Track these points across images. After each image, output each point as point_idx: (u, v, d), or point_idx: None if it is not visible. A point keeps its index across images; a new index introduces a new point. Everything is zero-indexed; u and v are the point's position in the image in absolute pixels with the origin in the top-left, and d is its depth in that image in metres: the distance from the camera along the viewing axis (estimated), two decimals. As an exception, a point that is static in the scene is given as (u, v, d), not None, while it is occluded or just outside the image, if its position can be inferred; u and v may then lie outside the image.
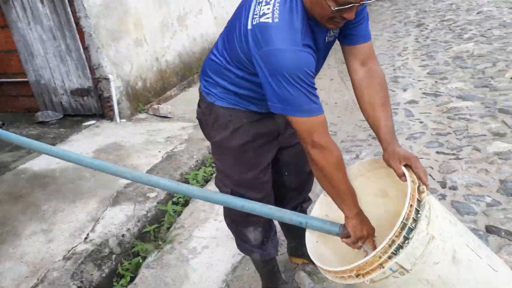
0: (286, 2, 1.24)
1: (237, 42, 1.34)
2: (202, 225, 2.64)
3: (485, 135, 3.03)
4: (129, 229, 2.56)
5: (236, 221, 1.79)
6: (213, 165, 3.36)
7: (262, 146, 1.60)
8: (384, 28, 7.19)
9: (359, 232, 1.40)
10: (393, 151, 1.32)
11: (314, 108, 1.27)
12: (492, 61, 4.47)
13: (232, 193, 1.63)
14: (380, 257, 1.17)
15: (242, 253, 2.08)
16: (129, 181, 2.99)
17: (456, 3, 7.82)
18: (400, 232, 1.16)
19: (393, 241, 1.16)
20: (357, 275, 1.23)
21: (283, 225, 2.07)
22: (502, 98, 3.54)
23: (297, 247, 2.13)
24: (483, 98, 3.63)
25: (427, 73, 4.64)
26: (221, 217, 2.66)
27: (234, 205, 1.56)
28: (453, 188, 2.54)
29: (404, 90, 4.27)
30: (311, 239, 1.52)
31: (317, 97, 1.28)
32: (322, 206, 1.61)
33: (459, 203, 2.39)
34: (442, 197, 2.48)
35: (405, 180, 1.27)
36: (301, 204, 1.93)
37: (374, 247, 1.44)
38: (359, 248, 1.45)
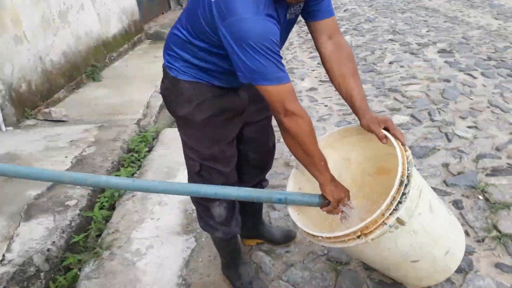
0: None
1: (201, 14, 1.32)
2: (139, 226, 2.46)
3: (384, 111, 3.44)
4: (54, 242, 2.25)
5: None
6: (132, 165, 3.15)
7: (227, 121, 1.57)
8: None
9: (337, 195, 1.45)
10: (370, 116, 1.44)
11: (282, 76, 1.29)
12: (370, 49, 5.08)
13: (201, 166, 1.62)
14: (383, 215, 1.25)
15: (191, 246, 2.03)
16: (39, 192, 2.63)
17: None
18: (399, 189, 1.26)
19: (394, 198, 1.26)
20: (359, 236, 1.30)
21: (239, 203, 2.05)
22: (387, 80, 4.06)
23: (253, 226, 2.13)
24: (372, 81, 4.11)
25: (317, 63, 5.04)
26: (158, 215, 2.53)
27: (206, 194, 1.51)
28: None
29: (302, 79, 4.58)
30: (293, 213, 1.54)
31: (283, 65, 1.30)
32: (296, 181, 1.65)
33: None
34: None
35: (386, 142, 1.39)
36: (261, 182, 1.94)
37: (351, 208, 1.52)
38: (341, 212, 1.49)
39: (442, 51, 4.83)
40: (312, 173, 1.45)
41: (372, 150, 1.62)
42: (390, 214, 1.26)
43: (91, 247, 2.31)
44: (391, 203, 1.26)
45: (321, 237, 1.38)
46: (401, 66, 4.37)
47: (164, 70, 1.56)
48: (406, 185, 1.27)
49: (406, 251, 1.45)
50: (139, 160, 3.22)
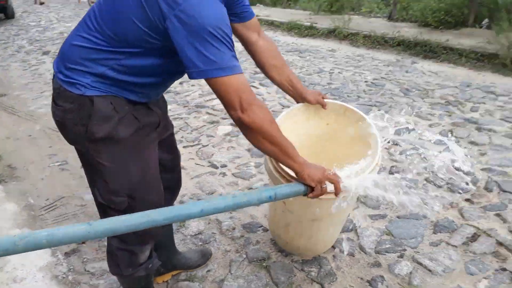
0: None
1: (138, 17, 1.17)
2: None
3: (205, 125, 3.65)
4: None
5: (129, 241, 1.47)
6: None
7: (150, 136, 1.43)
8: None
9: (316, 177, 1.36)
10: (311, 92, 1.66)
11: (237, 66, 1.21)
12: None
13: (129, 201, 1.38)
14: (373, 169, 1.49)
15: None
16: None
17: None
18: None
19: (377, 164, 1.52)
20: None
21: None
22: (189, 98, 4.28)
23: (168, 258, 1.93)
24: (175, 101, 4.24)
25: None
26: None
27: (189, 215, 1.20)
28: (224, 165, 3.00)
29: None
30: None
31: (235, 54, 1.24)
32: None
33: (240, 172, 2.89)
34: (223, 175, 2.89)
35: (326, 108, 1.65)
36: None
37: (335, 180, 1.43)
38: (327, 192, 1.41)
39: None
40: (285, 163, 1.38)
41: (316, 123, 1.83)
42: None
43: None
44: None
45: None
46: (192, 85, 4.69)
47: (59, 90, 1.31)
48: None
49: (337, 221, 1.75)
50: None
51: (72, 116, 1.30)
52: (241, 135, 3.31)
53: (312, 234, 1.87)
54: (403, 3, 8.71)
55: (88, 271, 2.07)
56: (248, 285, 1.93)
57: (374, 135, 1.64)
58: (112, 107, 1.29)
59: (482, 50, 5.59)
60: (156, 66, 1.29)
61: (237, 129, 3.42)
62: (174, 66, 1.29)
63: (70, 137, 1.38)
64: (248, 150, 3.19)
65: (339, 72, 5.18)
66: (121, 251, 1.49)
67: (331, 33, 7.69)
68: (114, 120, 1.30)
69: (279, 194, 1.36)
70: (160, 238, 1.74)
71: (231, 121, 3.66)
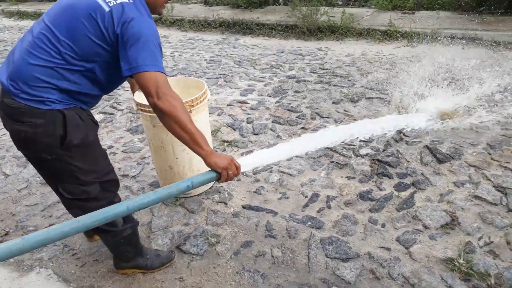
0: None
1: (92, 32, 1.48)
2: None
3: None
4: None
5: None
6: None
7: (97, 134, 1.77)
8: None
9: (222, 164, 1.58)
10: None
11: (162, 68, 1.52)
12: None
13: (102, 184, 1.74)
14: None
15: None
16: None
17: None
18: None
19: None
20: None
21: None
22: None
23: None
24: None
25: None
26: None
27: (119, 214, 1.41)
28: (111, 146, 3.38)
29: None
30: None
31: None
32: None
33: (128, 148, 3.32)
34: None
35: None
36: None
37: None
38: (236, 175, 1.63)
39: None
40: (193, 149, 1.58)
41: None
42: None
43: None
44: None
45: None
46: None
47: (23, 108, 1.48)
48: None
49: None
50: None
51: (43, 130, 1.50)
52: (114, 120, 3.72)
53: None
54: (214, -11, 9.74)
55: (26, 252, 2.33)
56: (171, 219, 2.51)
57: (202, 83, 2.47)
58: (78, 117, 1.57)
59: (285, 23, 6.96)
60: (108, 77, 1.60)
61: (109, 115, 3.81)
62: (119, 74, 1.54)
63: (38, 149, 1.56)
64: (128, 130, 3.63)
65: (179, 55, 5.83)
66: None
67: (158, 21, 8.18)
68: (83, 128, 1.59)
69: (195, 182, 1.55)
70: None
71: (101, 110, 3.98)
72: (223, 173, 1.59)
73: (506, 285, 1.90)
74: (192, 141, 1.55)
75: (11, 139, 1.61)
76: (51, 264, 2.23)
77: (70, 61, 1.49)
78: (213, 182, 1.75)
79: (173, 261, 2.15)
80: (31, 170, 3.11)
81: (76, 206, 1.74)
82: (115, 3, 1.50)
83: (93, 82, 1.60)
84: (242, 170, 1.68)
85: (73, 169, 1.63)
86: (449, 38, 5.74)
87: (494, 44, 5.43)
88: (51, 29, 1.50)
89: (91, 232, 2.30)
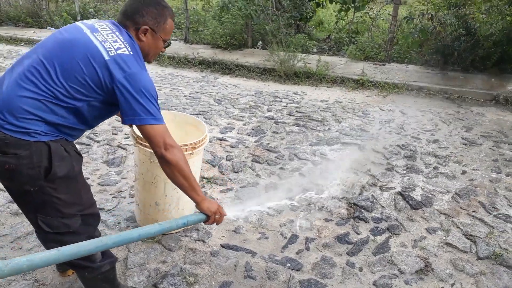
0: (131, 44, 1.63)
1: (87, 76, 1.53)
2: None
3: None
4: None
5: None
6: None
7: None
8: None
9: (213, 208, 1.80)
10: None
11: (161, 117, 1.64)
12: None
13: (82, 218, 1.71)
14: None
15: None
16: None
17: None
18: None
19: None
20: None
21: None
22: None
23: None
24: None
25: None
26: None
27: (112, 245, 1.50)
28: (87, 178, 3.31)
29: None
30: None
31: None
32: None
33: (104, 181, 3.26)
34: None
35: None
36: None
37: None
38: (222, 219, 1.87)
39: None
40: (190, 195, 1.76)
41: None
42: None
43: None
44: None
45: None
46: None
47: (8, 140, 1.47)
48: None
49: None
50: None
51: (28, 161, 1.49)
52: (91, 151, 3.67)
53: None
54: (194, 28, 9.99)
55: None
56: (148, 256, 2.46)
57: (203, 125, 2.53)
58: (63, 149, 1.58)
59: (263, 66, 7.19)
60: (95, 115, 1.66)
61: (85, 146, 3.75)
62: (106, 113, 1.72)
63: (21, 180, 1.53)
64: (104, 162, 3.57)
65: (158, 89, 5.86)
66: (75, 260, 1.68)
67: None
68: (68, 160, 1.60)
69: (190, 221, 1.79)
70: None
71: (77, 140, 3.90)
72: (212, 216, 1.81)
73: (479, 332, 1.97)
74: (190, 188, 1.73)
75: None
76: (19, 300, 2.11)
77: (60, 98, 1.52)
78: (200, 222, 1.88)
79: None
80: (0, 198, 2.98)
81: (53, 240, 1.69)
82: (115, 53, 1.55)
83: (79, 118, 1.63)
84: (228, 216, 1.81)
85: (56, 201, 1.61)
86: (416, 91, 6.11)
87: (459, 98, 5.82)
88: (44, 64, 1.52)
89: (65, 267, 2.21)
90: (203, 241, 2.59)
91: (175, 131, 2.58)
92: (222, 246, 2.55)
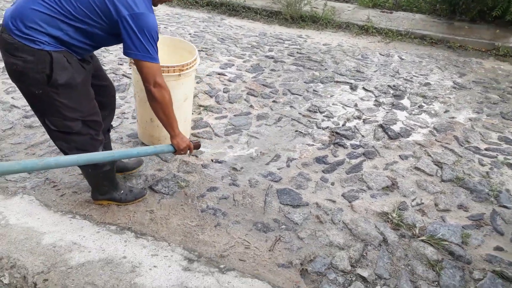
0: None
1: (97, 4, 1.70)
2: None
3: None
4: None
5: (85, 148, 2.00)
6: None
7: (89, 75, 2.00)
8: None
9: (181, 145, 2.09)
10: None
11: (157, 58, 1.83)
12: None
13: (83, 123, 1.95)
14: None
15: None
16: None
17: None
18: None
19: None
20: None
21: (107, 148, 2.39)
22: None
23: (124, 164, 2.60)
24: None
25: None
26: None
27: (96, 160, 1.83)
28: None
29: None
30: None
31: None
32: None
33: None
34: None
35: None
36: (110, 126, 2.44)
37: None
38: (185, 153, 2.21)
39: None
40: (167, 129, 2.05)
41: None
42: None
43: None
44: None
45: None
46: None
47: (16, 44, 1.68)
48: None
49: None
50: None
51: (33, 66, 1.70)
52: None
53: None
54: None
55: (8, 179, 2.55)
56: (146, 164, 2.77)
57: (195, 51, 2.71)
58: (66, 60, 1.76)
59: (270, 9, 7.22)
60: (97, 39, 1.84)
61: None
62: (108, 42, 1.89)
63: (28, 82, 1.76)
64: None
65: (164, 27, 6.01)
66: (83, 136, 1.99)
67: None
68: (69, 70, 1.78)
69: (158, 149, 2.12)
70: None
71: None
72: (178, 151, 2.13)
73: (427, 235, 2.27)
74: (168, 124, 2.01)
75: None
76: (34, 192, 2.46)
77: (68, 16, 1.70)
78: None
79: (144, 197, 2.42)
80: (15, 114, 3.29)
81: (60, 138, 1.96)
82: None
83: (83, 38, 1.80)
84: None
85: (58, 104, 1.84)
86: (419, 39, 6.15)
87: (460, 48, 5.87)
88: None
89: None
90: (196, 156, 2.89)
91: (170, 55, 2.81)
92: (212, 160, 2.85)
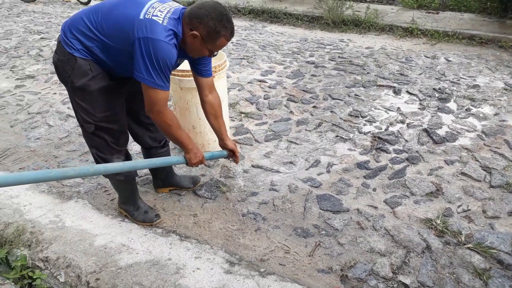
0: (174, 24, 1.80)
1: (122, 24, 1.79)
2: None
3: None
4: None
5: (101, 151, 2.11)
6: None
7: (116, 88, 2.04)
8: None
9: (194, 160, 2.13)
10: (230, 140, 2.36)
11: (164, 86, 1.82)
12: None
13: (96, 127, 2.03)
14: None
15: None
16: None
17: None
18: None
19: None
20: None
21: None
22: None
23: (166, 178, 2.64)
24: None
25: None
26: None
27: (111, 171, 1.89)
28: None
29: None
30: None
31: (168, 80, 1.84)
32: None
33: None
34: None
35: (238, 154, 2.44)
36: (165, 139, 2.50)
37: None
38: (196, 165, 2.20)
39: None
40: (179, 146, 2.10)
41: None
42: None
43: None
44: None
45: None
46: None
47: (59, 44, 1.93)
48: None
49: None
50: None
51: (62, 65, 1.92)
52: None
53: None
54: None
55: (65, 184, 2.75)
56: (190, 169, 2.88)
57: (223, 55, 2.79)
58: (89, 68, 1.90)
59: (311, 14, 7.23)
60: (118, 59, 1.90)
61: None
62: (127, 62, 1.86)
63: (60, 78, 2.00)
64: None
65: (208, 37, 6.19)
66: (97, 157, 2.14)
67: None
68: (88, 77, 1.91)
69: (175, 161, 2.17)
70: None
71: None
72: (190, 164, 2.15)
73: (474, 242, 2.19)
74: (177, 143, 2.07)
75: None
76: (87, 196, 2.64)
77: (100, 34, 1.84)
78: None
79: (154, 223, 2.38)
80: (71, 123, 3.54)
81: (84, 133, 2.10)
82: (149, 17, 1.76)
83: (108, 55, 1.90)
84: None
85: (76, 104, 2.01)
86: (467, 39, 5.91)
87: (512, 47, 5.59)
88: (102, 12, 1.87)
89: (160, 184, 2.66)
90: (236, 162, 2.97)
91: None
92: (253, 166, 2.92)
